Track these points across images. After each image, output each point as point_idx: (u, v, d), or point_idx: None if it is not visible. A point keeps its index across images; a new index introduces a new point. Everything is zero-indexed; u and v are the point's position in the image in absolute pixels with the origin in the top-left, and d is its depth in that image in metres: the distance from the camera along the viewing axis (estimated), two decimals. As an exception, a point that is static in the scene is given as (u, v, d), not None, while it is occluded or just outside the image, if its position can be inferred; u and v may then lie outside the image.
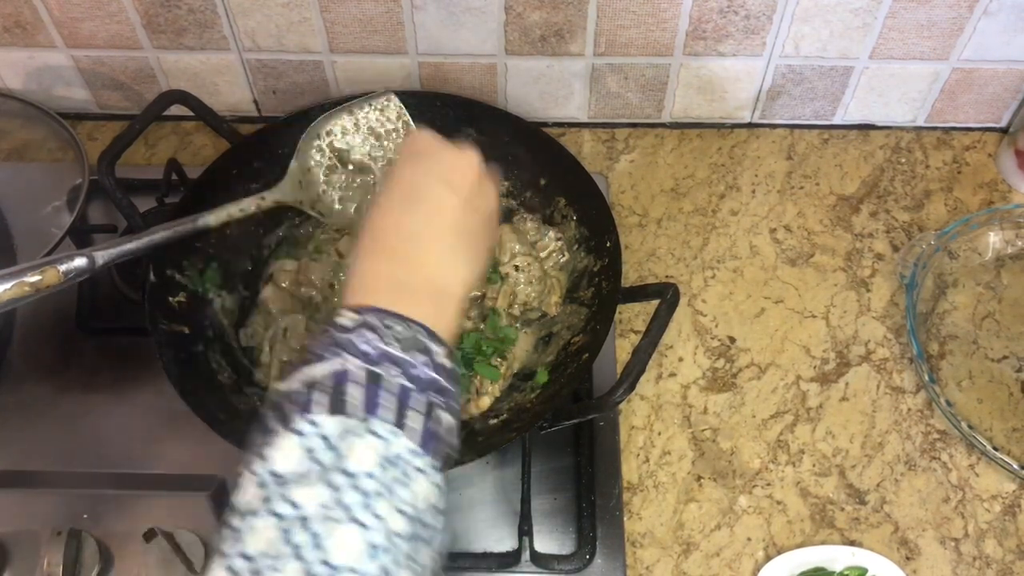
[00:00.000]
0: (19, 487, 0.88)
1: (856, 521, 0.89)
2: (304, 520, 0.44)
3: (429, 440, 0.50)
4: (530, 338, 0.94)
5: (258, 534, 0.45)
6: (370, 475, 0.47)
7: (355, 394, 0.49)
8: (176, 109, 0.91)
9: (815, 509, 0.89)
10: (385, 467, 0.47)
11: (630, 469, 0.91)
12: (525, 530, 0.83)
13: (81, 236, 0.98)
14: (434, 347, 0.54)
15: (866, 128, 1.16)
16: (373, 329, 0.52)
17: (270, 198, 0.86)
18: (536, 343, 0.94)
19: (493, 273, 0.93)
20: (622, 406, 0.94)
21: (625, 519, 0.88)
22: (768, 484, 0.91)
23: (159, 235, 0.77)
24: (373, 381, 0.50)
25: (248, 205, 0.84)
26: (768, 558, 0.86)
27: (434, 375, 0.52)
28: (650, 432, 0.93)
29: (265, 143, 0.96)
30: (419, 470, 0.49)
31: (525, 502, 0.84)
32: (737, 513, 0.89)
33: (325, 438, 0.47)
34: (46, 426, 0.93)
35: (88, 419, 0.93)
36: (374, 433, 0.48)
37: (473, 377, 0.89)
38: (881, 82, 1.09)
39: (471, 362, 0.89)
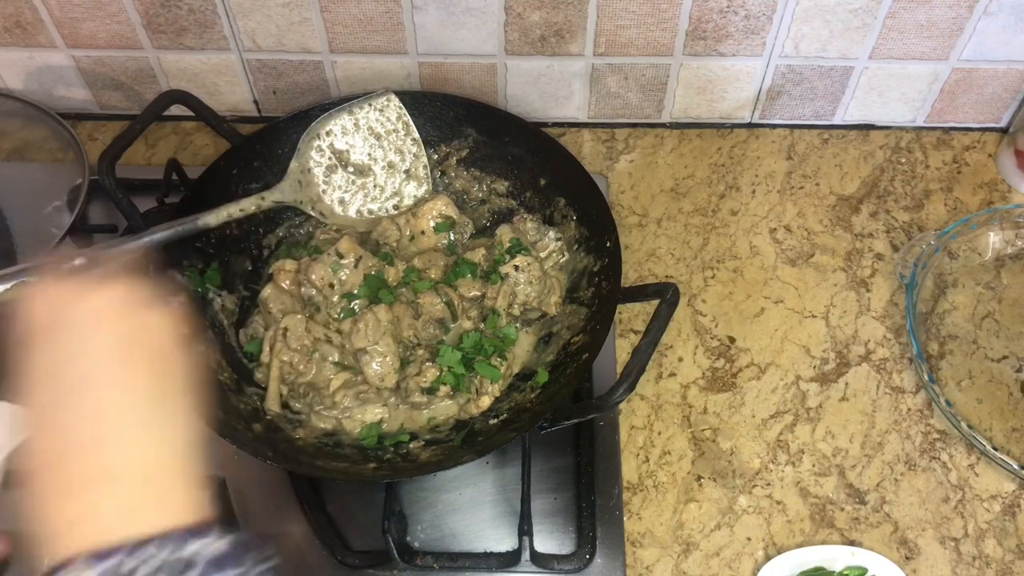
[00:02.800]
0: (18, 487, 0.88)
1: (856, 521, 0.89)
2: None
3: None
4: (530, 338, 0.94)
5: None
6: None
7: None
8: (176, 109, 0.91)
9: (815, 509, 0.89)
10: None
11: (630, 469, 0.91)
12: (525, 530, 0.83)
13: (81, 236, 0.98)
14: (195, 546, 0.45)
15: (866, 128, 1.16)
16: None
17: (270, 198, 0.86)
18: (536, 343, 0.94)
19: (493, 274, 0.93)
20: (622, 406, 0.94)
21: (625, 519, 0.88)
22: (768, 484, 0.91)
23: (159, 235, 0.77)
24: None
25: (248, 205, 0.85)
26: (768, 558, 0.86)
27: None
28: (650, 432, 0.93)
29: (265, 143, 0.96)
30: None
31: (525, 502, 0.84)
32: (737, 513, 0.89)
33: None
34: (46, 426, 0.93)
35: (88, 419, 0.93)
36: None
37: (473, 377, 0.89)
38: (881, 82, 1.09)
39: (471, 362, 0.89)
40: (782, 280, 1.03)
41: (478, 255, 0.95)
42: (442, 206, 0.98)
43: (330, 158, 0.91)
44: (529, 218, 0.99)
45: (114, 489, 0.46)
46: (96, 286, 0.50)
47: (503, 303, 0.92)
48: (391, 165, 0.93)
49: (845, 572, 0.85)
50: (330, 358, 0.90)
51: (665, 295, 0.78)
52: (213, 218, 0.81)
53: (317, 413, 0.88)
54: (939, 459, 0.92)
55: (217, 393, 0.85)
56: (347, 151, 0.91)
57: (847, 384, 0.96)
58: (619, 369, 0.96)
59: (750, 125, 1.16)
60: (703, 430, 0.94)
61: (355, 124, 0.92)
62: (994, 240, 1.03)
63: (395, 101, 0.93)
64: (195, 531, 0.45)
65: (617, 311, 0.87)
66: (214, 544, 0.45)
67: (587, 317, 0.90)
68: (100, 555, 0.43)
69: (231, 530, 0.46)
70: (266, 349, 0.90)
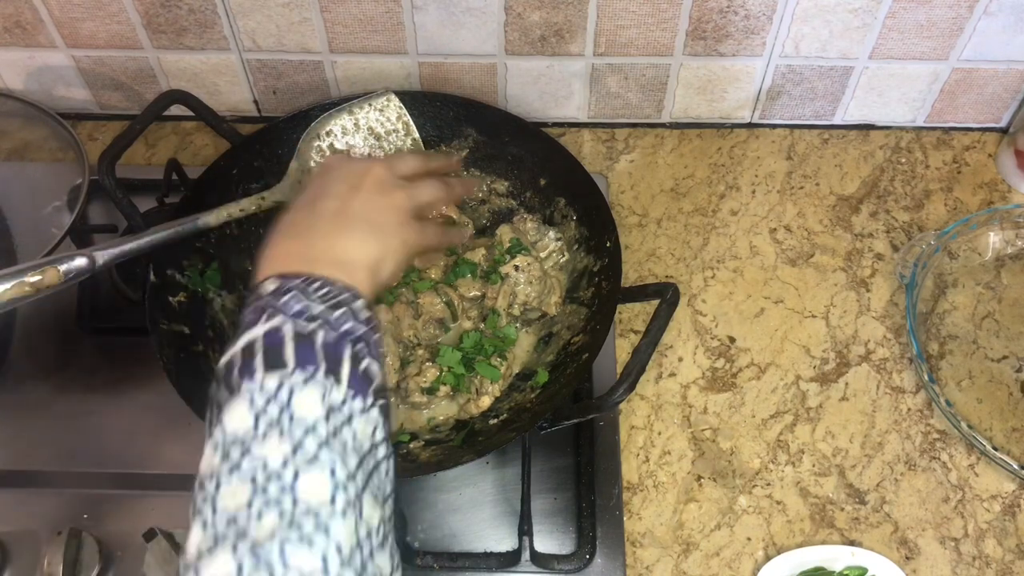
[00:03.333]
0: (19, 487, 0.88)
1: (856, 521, 0.89)
2: (271, 472, 0.48)
3: (360, 383, 0.54)
4: (530, 338, 0.94)
5: (233, 493, 0.48)
6: (318, 422, 0.51)
7: (288, 350, 0.53)
8: (176, 109, 0.91)
9: (815, 509, 0.89)
10: (329, 414, 0.51)
11: (630, 469, 0.91)
12: (525, 530, 0.83)
13: (81, 236, 0.98)
14: (352, 301, 0.58)
15: (866, 128, 1.16)
16: (294, 290, 0.57)
17: (270, 198, 0.86)
18: (536, 343, 0.94)
19: (493, 274, 0.93)
20: (622, 406, 0.94)
21: (625, 519, 0.88)
22: (768, 484, 0.91)
23: (159, 235, 0.77)
24: (303, 336, 0.54)
25: (248, 205, 0.85)
26: (768, 558, 0.86)
27: (355, 324, 0.57)
28: (650, 432, 0.93)
29: (265, 143, 0.96)
30: (356, 411, 0.53)
31: (525, 502, 0.84)
32: (737, 513, 0.89)
33: (269, 394, 0.51)
34: (46, 426, 0.93)
35: (88, 419, 0.93)
36: (312, 384, 0.52)
37: (473, 377, 0.89)
38: (881, 82, 1.09)
39: (471, 362, 0.89)
40: (782, 280, 1.03)
41: (478, 255, 0.95)
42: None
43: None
44: (529, 218, 0.99)
45: (307, 251, 0.62)
46: (370, 159, 0.77)
47: (503, 303, 0.92)
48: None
49: (845, 572, 0.85)
50: (330, 358, 0.90)
51: (665, 295, 0.78)
52: (213, 218, 0.81)
53: (317, 413, 0.87)
54: (939, 459, 0.92)
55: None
56: (347, 151, 0.91)
57: (847, 384, 0.96)
58: (619, 369, 0.96)
59: (750, 125, 1.16)
60: (703, 430, 0.94)
61: (355, 124, 0.92)
62: (994, 240, 1.03)
63: (395, 101, 0.93)
64: (354, 295, 0.59)
65: (617, 311, 0.87)
66: (361, 311, 0.58)
67: (587, 317, 0.90)
68: (284, 276, 0.58)
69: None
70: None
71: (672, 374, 0.97)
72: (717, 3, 0.98)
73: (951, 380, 0.96)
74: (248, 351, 0.54)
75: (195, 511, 0.49)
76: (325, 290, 0.57)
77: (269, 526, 0.47)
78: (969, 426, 0.87)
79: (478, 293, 0.94)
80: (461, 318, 0.93)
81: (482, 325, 0.93)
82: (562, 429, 0.84)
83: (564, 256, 0.97)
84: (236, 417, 0.51)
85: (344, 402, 0.53)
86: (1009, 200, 1.09)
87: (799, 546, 0.87)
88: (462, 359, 0.89)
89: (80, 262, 0.71)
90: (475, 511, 0.88)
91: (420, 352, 0.91)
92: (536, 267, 0.93)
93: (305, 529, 0.47)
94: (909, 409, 0.95)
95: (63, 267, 0.70)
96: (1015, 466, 0.86)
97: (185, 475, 0.87)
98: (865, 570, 0.85)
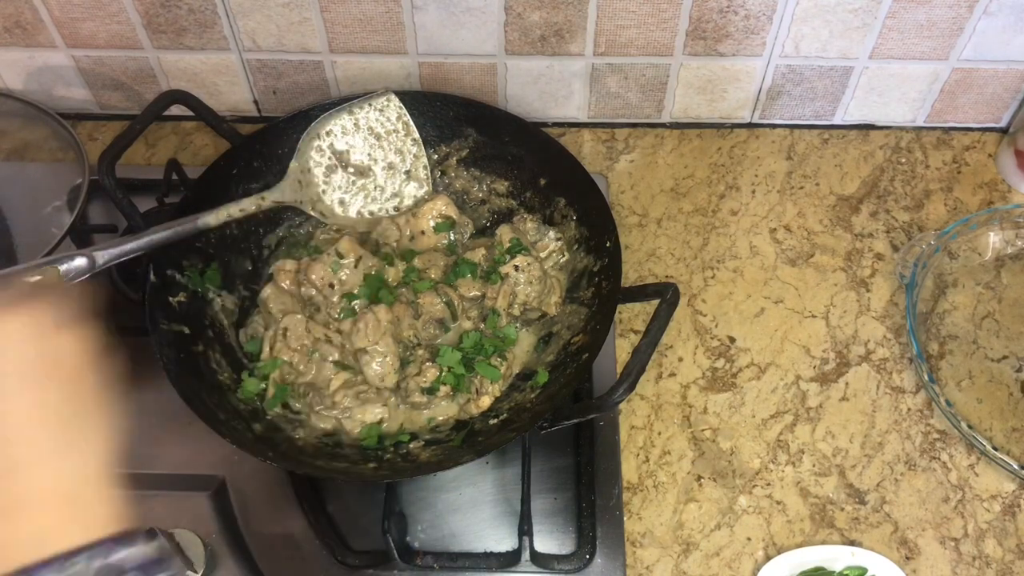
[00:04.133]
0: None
1: (856, 521, 0.89)
2: None
3: None
4: (530, 338, 0.94)
5: None
6: None
7: None
8: (176, 109, 0.91)
9: (815, 509, 0.89)
10: None
11: (630, 469, 0.91)
12: (525, 530, 0.83)
13: (81, 236, 0.98)
14: (123, 553, 0.46)
15: (866, 128, 1.16)
16: None
17: (270, 198, 0.86)
18: (536, 343, 0.94)
19: (493, 274, 0.93)
20: (622, 406, 0.94)
21: (625, 519, 0.88)
22: (768, 484, 0.91)
23: (159, 235, 0.77)
24: None
25: (248, 205, 0.85)
26: (768, 558, 0.86)
27: None
28: (650, 432, 0.93)
29: (265, 143, 0.96)
30: None
31: (525, 502, 0.84)
32: (737, 513, 0.89)
33: None
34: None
35: (88, 419, 0.93)
36: None
37: (473, 377, 0.89)
38: (881, 82, 1.09)
39: (471, 362, 0.89)
40: (782, 280, 1.03)
41: (478, 255, 0.95)
42: (442, 206, 0.98)
43: (330, 158, 0.91)
44: (529, 218, 0.99)
45: (34, 513, 0.46)
46: (1, 312, 0.49)
47: (503, 303, 0.92)
48: (391, 166, 0.93)
49: (845, 572, 0.85)
50: (330, 358, 0.90)
51: (665, 295, 0.78)
52: (213, 218, 0.81)
53: (317, 413, 0.88)
54: (939, 459, 0.92)
55: (217, 394, 0.86)
56: (347, 151, 0.91)
57: (847, 384, 0.96)
58: (619, 369, 0.96)
59: (750, 125, 1.16)
60: (703, 430, 0.94)
61: (355, 124, 0.92)
62: (994, 240, 1.03)
63: (395, 101, 0.93)
64: (121, 540, 0.46)
65: (617, 311, 0.87)
66: (142, 550, 0.46)
67: (587, 317, 0.90)
68: (29, 572, 0.43)
69: (154, 538, 0.47)
70: (266, 349, 0.90)
71: (672, 374, 0.97)
72: (717, 3, 0.98)
73: (951, 380, 0.96)
74: None
75: None
76: (77, 567, 0.44)
77: None
78: (969, 426, 0.87)
79: (478, 293, 0.94)
80: (461, 318, 0.93)
81: (482, 325, 0.93)
82: (562, 429, 0.84)
83: (564, 256, 0.97)
84: None
85: None
86: (1009, 200, 1.09)
87: (799, 546, 0.87)
88: (462, 359, 0.89)
89: (80, 262, 0.71)
90: (475, 511, 0.88)
91: (420, 352, 0.91)
92: (536, 267, 0.93)
93: None
94: (909, 409, 0.95)
95: (63, 267, 0.70)
96: (1015, 466, 0.86)
97: (185, 475, 0.87)
98: (865, 570, 0.85)
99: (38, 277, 0.69)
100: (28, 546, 0.45)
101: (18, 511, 0.46)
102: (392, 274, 0.94)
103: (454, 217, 0.99)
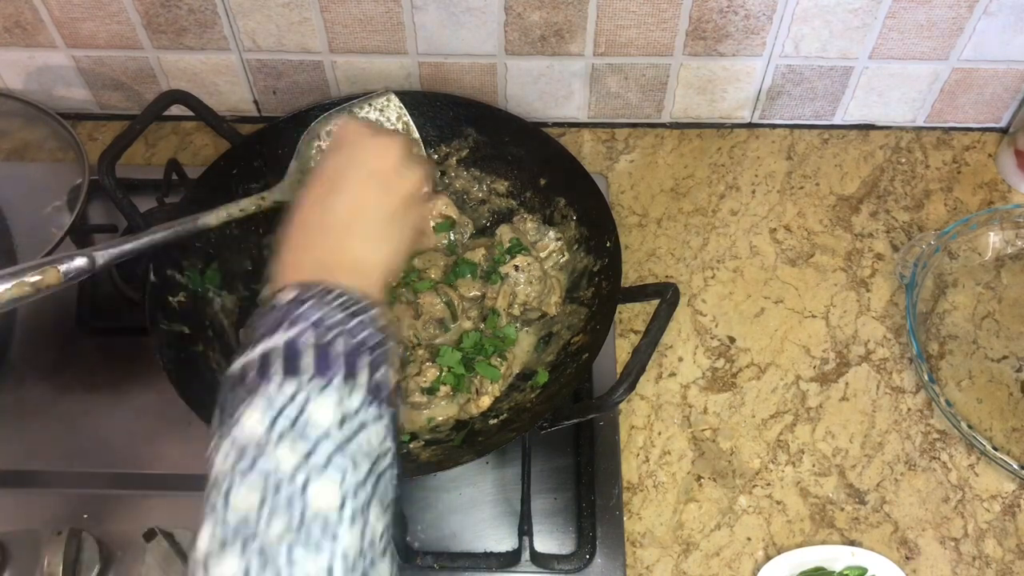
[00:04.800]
0: (19, 487, 0.88)
1: (856, 521, 0.89)
2: (283, 477, 0.49)
3: (376, 390, 0.55)
4: (530, 338, 0.94)
5: (243, 496, 0.48)
6: (333, 428, 0.51)
7: (307, 357, 0.53)
8: (176, 109, 0.91)
9: (815, 509, 0.89)
10: (344, 420, 0.52)
11: (630, 469, 0.91)
12: (525, 530, 0.83)
13: (81, 236, 0.98)
14: (366, 308, 0.58)
15: (866, 128, 1.16)
16: (312, 299, 0.57)
17: (270, 198, 0.86)
18: (536, 343, 0.94)
19: (493, 274, 0.93)
20: (622, 406, 0.94)
21: (625, 519, 0.88)
22: (768, 484, 0.91)
23: (159, 235, 0.77)
24: (321, 344, 0.54)
25: (248, 205, 0.84)
26: (768, 558, 0.86)
27: (371, 333, 0.57)
28: (650, 432, 0.93)
29: (265, 143, 0.96)
30: (371, 418, 0.54)
31: (525, 502, 0.84)
32: (737, 513, 0.89)
33: (286, 400, 0.52)
34: (46, 426, 0.93)
35: (88, 419, 0.93)
36: (328, 390, 0.53)
37: (473, 377, 0.89)
38: (881, 82, 1.09)
39: (471, 362, 0.89)
40: (782, 280, 1.03)
41: (478, 255, 0.95)
42: (442, 206, 0.98)
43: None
44: (529, 218, 0.99)
45: (324, 258, 0.62)
46: (388, 132, 0.71)
47: (503, 303, 0.92)
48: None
49: (845, 572, 0.85)
50: (330, 358, 0.90)
51: (665, 295, 0.78)
52: (213, 218, 0.81)
53: (317, 413, 0.87)
54: (939, 459, 0.92)
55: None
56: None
57: (847, 384, 0.96)
58: (619, 369, 0.96)
59: (750, 125, 1.16)
60: (703, 430, 0.94)
61: (355, 124, 0.92)
62: (994, 240, 1.03)
63: (395, 101, 0.92)
64: (371, 304, 0.59)
65: (617, 311, 0.87)
66: (380, 319, 0.59)
67: (587, 317, 0.90)
68: (301, 284, 0.58)
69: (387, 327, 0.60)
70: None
71: (672, 374, 0.97)
72: (717, 3, 0.98)
73: (951, 380, 0.96)
74: (266, 358, 0.54)
75: (207, 509, 0.49)
76: (343, 299, 0.58)
77: (278, 530, 0.47)
78: (969, 426, 0.87)
79: (478, 293, 0.94)
80: (461, 318, 0.93)
81: (482, 325, 0.93)
82: (562, 429, 0.84)
83: (564, 256, 0.97)
84: (252, 419, 0.51)
85: (359, 409, 0.53)
86: (1009, 200, 1.09)
87: (799, 546, 0.87)
88: (462, 359, 0.89)
89: (80, 262, 0.71)
90: (475, 511, 0.88)
91: (420, 352, 0.91)
92: (536, 267, 0.93)
93: (313, 535, 0.47)
94: (909, 409, 0.95)
95: (63, 267, 0.70)
96: (1015, 466, 0.86)
97: (185, 475, 0.87)
98: (865, 570, 0.85)
99: (38, 277, 0.69)
100: (318, 274, 0.60)
101: (330, 252, 0.63)
102: (392, 274, 0.94)
103: (454, 217, 0.99)
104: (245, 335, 0.59)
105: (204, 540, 0.48)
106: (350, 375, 0.54)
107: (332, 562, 0.47)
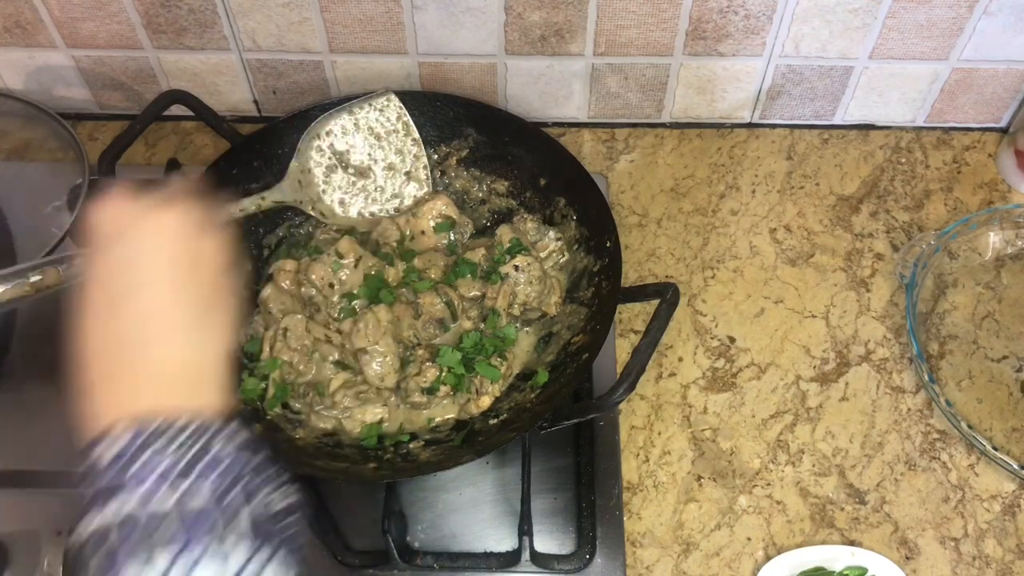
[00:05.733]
0: (19, 487, 0.88)
1: (856, 521, 0.89)
2: None
3: (258, 529, 0.48)
4: (530, 338, 0.94)
5: None
6: None
7: (168, 527, 0.46)
8: (176, 109, 0.91)
9: (815, 509, 0.89)
10: None
11: (630, 469, 0.91)
12: (525, 530, 0.83)
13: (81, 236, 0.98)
14: (219, 430, 0.50)
15: (866, 128, 1.16)
16: (152, 441, 0.48)
17: (270, 198, 0.87)
18: (536, 343, 0.94)
19: (493, 274, 0.93)
20: (622, 406, 0.94)
21: (625, 519, 0.88)
22: (768, 484, 0.91)
23: (159, 235, 0.76)
24: (180, 502, 0.46)
25: (248, 205, 0.85)
26: (768, 558, 0.86)
27: (232, 459, 0.49)
28: (650, 432, 0.93)
29: (265, 143, 0.96)
30: (264, 561, 0.47)
31: (525, 502, 0.84)
32: (737, 513, 0.89)
33: None
34: (46, 426, 0.93)
35: (88, 419, 0.93)
36: (205, 563, 0.45)
37: (473, 377, 0.89)
38: (881, 82, 1.09)
39: (471, 362, 0.89)
40: (782, 280, 1.03)
41: (478, 255, 0.95)
42: (442, 206, 0.98)
43: (330, 158, 0.91)
44: (529, 218, 0.99)
45: (154, 379, 0.52)
46: (158, 207, 0.56)
47: (503, 303, 0.92)
48: (391, 166, 0.93)
49: (845, 572, 0.85)
50: (330, 358, 0.90)
51: (665, 295, 0.78)
52: (213, 218, 0.81)
53: (317, 413, 0.88)
54: (939, 459, 0.92)
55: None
56: (347, 151, 0.91)
57: (847, 384, 0.96)
58: (619, 369, 0.96)
59: (750, 125, 1.16)
60: (703, 430, 0.94)
61: (355, 124, 0.92)
62: (994, 240, 1.03)
63: (395, 101, 0.93)
64: (224, 420, 0.51)
65: (617, 311, 0.87)
66: (240, 434, 0.51)
67: (587, 317, 0.90)
68: (139, 422, 0.49)
69: (251, 424, 0.52)
70: (266, 349, 0.90)
71: (672, 374, 0.97)
72: (717, 3, 0.98)
73: (951, 380, 0.96)
74: (113, 536, 0.46)
75: None
76: (189, 431, 0.49)
77: None
78: (969, 426, 0.87)
79: (478, 293, 0.94)
80: (461, 318, 0.93)
81: (482, 325, 0.93)
82: (562, 429, 0.84)
83: (564, 256, 0.97)
84: None
85: (248, 562, 0.46)
86: (1009, 200, 1.09)
87: (799, 546, 0.87)
88: (462, 359, 0.89)
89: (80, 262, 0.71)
90: (475, 511, 0.88)
91: (420, 352, 0.91)
92: (536, 267, 0.93)
93: None
94: (909, 409, 0.95)
95: (63, 267, 0.70)
96: (1015, 466, 0.86)
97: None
98: (865, 570, 0.85)
99: (38, 277, 0.69)
100: (144, 402, 0.50)
101: (141, 374, 0.52)
102: (392, 274, 0.94)
103: (454, 217, 0.99)
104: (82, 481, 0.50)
105: None
106: (227, 527, 0.46)
107: None
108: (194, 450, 0.48)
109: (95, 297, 0.54)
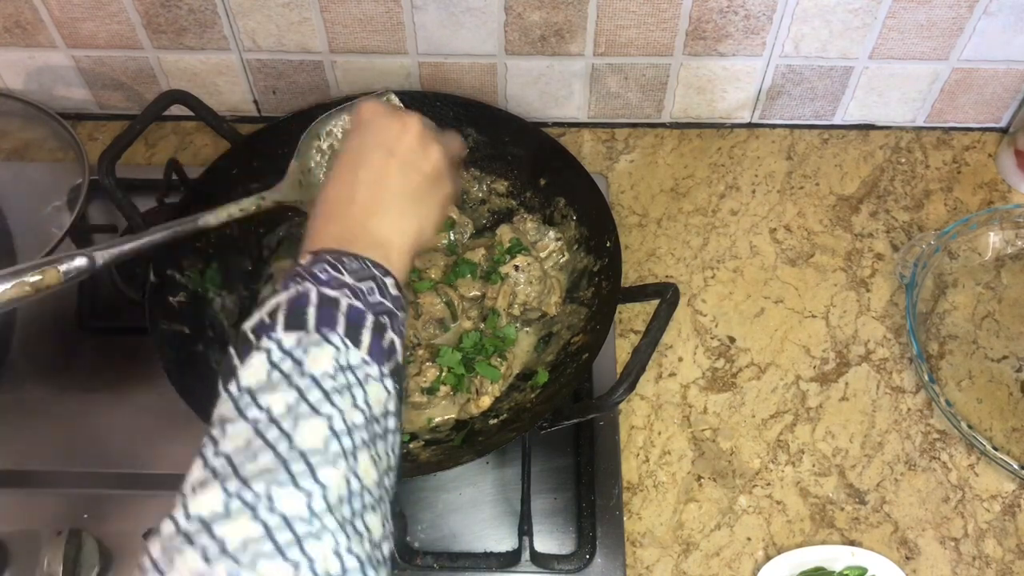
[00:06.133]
0: (19, 487, 0.88)
1: (856, 521, 0.89)
2: (273, 419, 0.50)
3: (378, 353, 0.55)
4: (530, 338, 0.94)
5: (234, 436, 0.49)
6: (328, 376, 0.52)
7: (311, 312, 0.54)
8: (176, 109, 0.91)
9: (815, 509, 0.89)
10: (341, 371, 0.53)
11: (630, 469, 0.91)
12: (525, 530, 0.83)
13: (81, 236, 0.98)
14: (382, 278, 0.59)
15: (866, 128, 1.16)
16: (327, 262, 0.58)
17: (270, 198, 0.86)
18: (536, 343, 0.94)
19: (493, 274, 0.93)
20: (622, 406, 0.94)
21: (625, 519, 0.88)
22: (768, 484, 0.91)
23: (159, 235, 0.77)
24: (327, 302, 0.55)
25: (248, 205, 0.84)
26: (768, 558, 0.86)
27: (382, 300, 0.58)
28: (650, 432, 0.93)
29: (265, 143, 0.96)
30: (371, 377, 0.54)
31: (525, 502, 0.84)
32: (737, 513, 0.89)
33: (286, 351, 0.52)
34: (46, 426, 0.93)
35: (88, 419, 0.93)
36: (329, 343, 0.53)
37: (473, 377, 0.89)
38: (881, 82, 1.09)
39: (471, 362, 0.89)
40: (782, 280, 1.03)
41: (478, 255, 0.95)
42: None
43: (330, 158, 0.90)
44: (529, 218, 0.99)
45: (343, 231, 0.63)
46: (405, 113, 0.70)
47: (503, 303, 0.92)
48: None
49: (845, 572, 0.85)
50: (330, 358, 0.90)
51: (665, 295, 0.78)
52: (213, 218, 0.81)
53: (317, 413, 0.87)
54: (939, 459, 0.92)
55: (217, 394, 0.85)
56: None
57: (847, 384, 0.96)
58: (619, 369, 0.96)
59: (750, 125, 1.16)
60: (703, 430, 0.94)
61: (355, 124, 0.91)
62: (994, 240, 1.03)
63: (395, 101, 0.92)
64: (386, 272, 0.60)
65: (617, 311, 0.87)
66: (394, 289, 0.60)
67: (587, 317, 0.90)
68: (319, 251, 0.59)
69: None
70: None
71: (672, 374, 0.97)
72: (717, 3, 0.98)
73: (951, 380, 0.96)
74: (272, 314, 0.55)
75: (201, 448, 0.50)
76: (357, 265, 0.59)
77: (261, 466, 0.48)
78: (969, 426, 0.87)
79: (478, 293, 0.94)
80: (461, 318, 0.93)
81: (482, 325, 0.93)
82: (562, 429, 0.84)
83: (564, 256, 0.97)
84: (251, 371, 0.52)
85: (358, 365, 0.54)
86: (1009, 200, 1.09)
87: (799, 546, 0.87)
88: (462, 359, 0.89)
89: (80, 262, 0.71)
90: (475, 511, 0.88)
91: (420, 352, 0.91)
92: (536, 267, 0.93)
93: (293, 470, 0.48)
94: (909, 409, 0.95)
95: (63, 267, 0.70)
96: (1015, 466, 0.86)
97: (185, 475, 0.87)
98: (865, 570, 0.85)
99: (38, 277, 0.69)
100: (345, 243, 0.61)
101: (355, 224, 0.63)
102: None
103: (454, 217, 0.99)
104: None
105: (191, 477, 0.49)
106: (352, 332, 0.54)
107: (311, 498, 0.47)
108: (351, 277, 0.57)
109: (343, 162, 0.67)
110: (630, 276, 1.03)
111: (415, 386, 0.88)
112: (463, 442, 0.85)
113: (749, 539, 0.88)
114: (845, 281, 1.03)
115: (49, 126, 1.01)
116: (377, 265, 0.60)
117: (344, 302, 0.56)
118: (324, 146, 0.90)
